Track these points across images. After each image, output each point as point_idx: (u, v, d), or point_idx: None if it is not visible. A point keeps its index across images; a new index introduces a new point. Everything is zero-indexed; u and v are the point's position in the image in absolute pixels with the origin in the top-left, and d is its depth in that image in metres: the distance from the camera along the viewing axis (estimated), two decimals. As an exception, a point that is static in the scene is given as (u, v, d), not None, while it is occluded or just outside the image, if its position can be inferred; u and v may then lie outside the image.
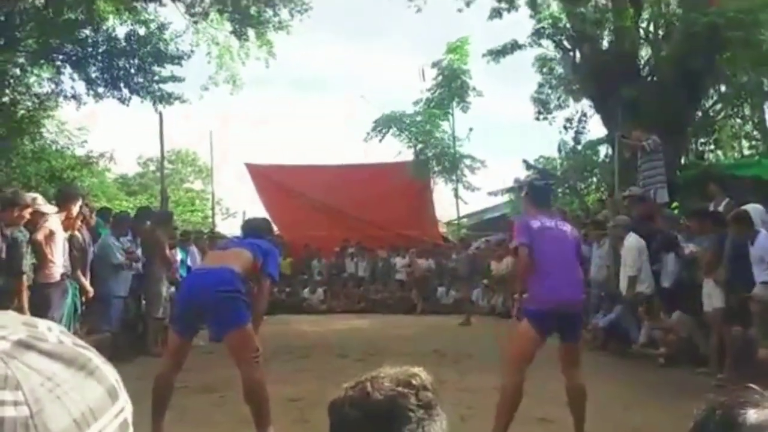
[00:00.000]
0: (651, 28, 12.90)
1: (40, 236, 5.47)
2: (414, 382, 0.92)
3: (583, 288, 4.24)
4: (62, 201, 5.98)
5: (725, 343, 6.07)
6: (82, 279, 6.32)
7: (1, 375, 0.40)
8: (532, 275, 3.93)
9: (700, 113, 12.58)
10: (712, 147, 14.15)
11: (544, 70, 14.80)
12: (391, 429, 0.88)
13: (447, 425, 0.94)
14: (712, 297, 6.24)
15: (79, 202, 6.13)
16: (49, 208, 5.66)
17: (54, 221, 5.67)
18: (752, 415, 0.81)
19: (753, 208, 6.06)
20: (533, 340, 3.88)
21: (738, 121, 14.30)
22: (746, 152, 14.27)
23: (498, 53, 13.89)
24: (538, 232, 3.94)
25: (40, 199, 5.72)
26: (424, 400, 0.91)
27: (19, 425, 0.39)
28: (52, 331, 0.46)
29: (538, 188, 4.30)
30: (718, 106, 13.40)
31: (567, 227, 4.17)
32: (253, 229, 4.65)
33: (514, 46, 13.65)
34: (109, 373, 0.46)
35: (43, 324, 0.46)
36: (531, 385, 5.64)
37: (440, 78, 17.27)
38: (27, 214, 5.38)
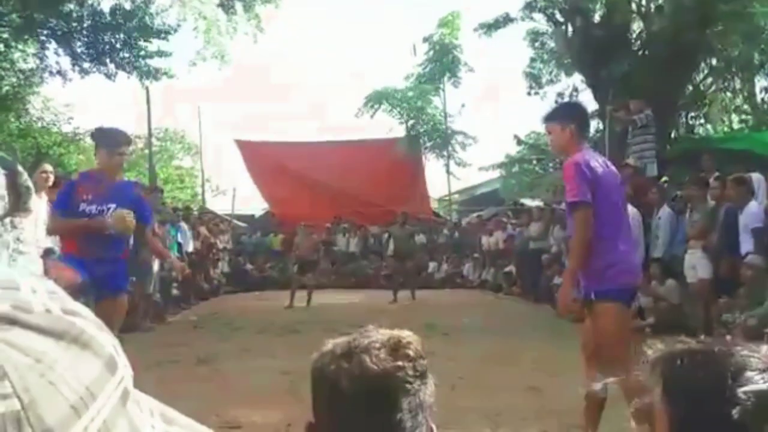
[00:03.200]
0: (643, 2, 12.79)
1: None
2: (410, 353, 0.90)
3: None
4: (30, 172, 5.87)
5: (712, 313, 6.15)
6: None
7: None
8: (598, 244, 3.02)
9: (690, 87, 12.56)
10: (702, 121, 14.16)
11: (536, 44, 14.69)
12: (389, 402, 0.87)
13: (434, 390, 0.93)
14: (697, 268, 6.30)
15: (44, 168, 5.93)
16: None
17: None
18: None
19: (756, 177, 6.14)
20: (626, 321, 3.20)
21: (728, 95, 14.28)
22: (736, 126, 14.30)
23: (490, 27, 13.76)
24: (603, 176, 3.06)
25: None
26: (421, 370, 0.90)
27: (8, 422, 0.33)
28: (37, 295, 0.39)
29: (585, 114, 3.47)
30: (709, 80, 13.38)
31: (613, 167, 3.29)
32: None
33: (506, 20, 13.52)
34: (105, 341, 0.41)
35: (26, 285, 0.39)
36: (516, 354, 5.71)
37: (432, 53, 17.15)
38: None
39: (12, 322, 0.37)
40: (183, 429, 0.46)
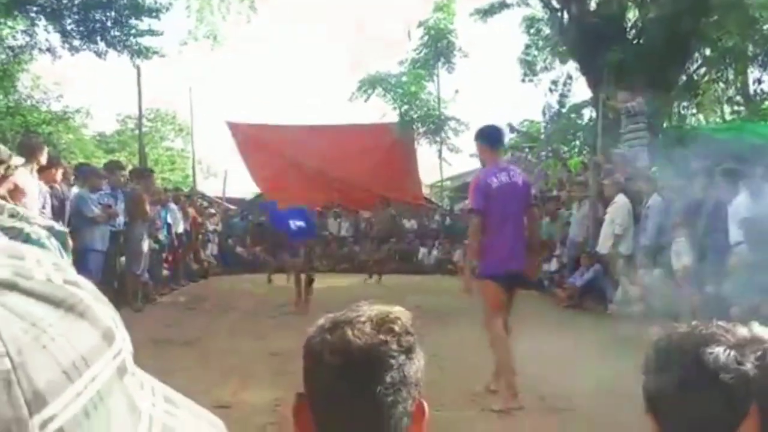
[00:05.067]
0: (639, -10, 12.76)
1: (1, 191, 5.33)
2: (396, 328, 0.90)
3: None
4: (28, 153, 5.82)
5: (693, 300, 6.21)
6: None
7: None
8: (485, 240, 4.08)
9: (684, 77, 12.59)
10: (695, 111, 14.21)
11: (532, 30, 14.65)
12: (372, 375, 0.87)
13: (424, 362, 0.93)
14: (681, 255, 6.36)
15: (45, 151, 5.94)
16: (17, 160, 5.50)
17: (21, 175, 5.53)
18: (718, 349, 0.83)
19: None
20: (499, 291, 4.17)
21: (721, 85, 14.33)
22: (728, 117, 14.35)
23: (485, 13, 13.69)
24: (497, 190, 4.06)
25: (14, 156, 5.57)
26: (406, 345, 0.90)
27: None
28: (42, 265, 0.40)
29: (486, 131, 4.31)
30: (702, 70, 13.41)
31: (519, 178, 4.22)
32: None
33: (501, 6, 13.46)
34: (104, 312, 0.41)
35: (31, 255, 0.41)
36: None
37: (426, 38, 17.03)
38: (2, 169, 5.21)
39: (11, 287, 0.37)
40: (184, 409, 0.45)
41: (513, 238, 4.13)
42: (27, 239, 1.73)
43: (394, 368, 0.88)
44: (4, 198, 5.28)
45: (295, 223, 7.89)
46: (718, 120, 14.33)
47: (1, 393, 0.34)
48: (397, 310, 0.94)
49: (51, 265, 0.41)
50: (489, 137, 4.25)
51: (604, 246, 7.69)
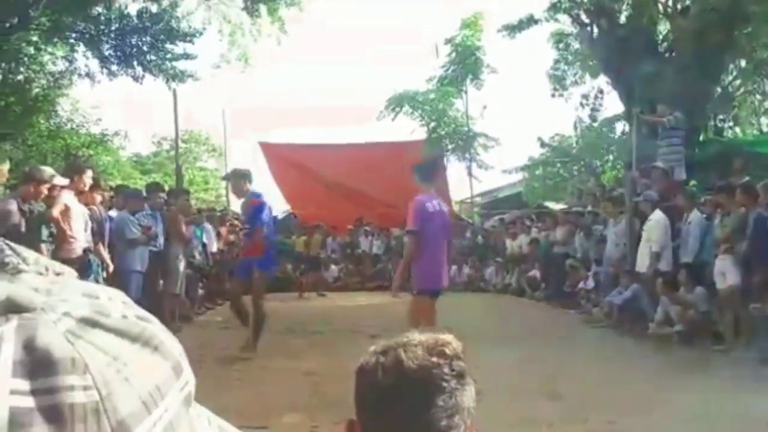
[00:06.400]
0: (670, 2, 12.61)
1: (55, 212, 5.50)
2: (447, 351, 0.91)
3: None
4: (70, 174, 6.01)
5: (741, 321, 6.02)
6: (103, 253, 6.39)
7: (69, 357, 0.38)
8: (419, 259, 4.69)
9: (719, 89, 12.34)
10: (731, 124, 13.90)
11: (561, 45, 14.58)
12: (425, 398, 0.88)
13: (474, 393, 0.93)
14: (726, 274, 6.18)
15: (88, 174, 6.13)
16: (61, 180, 5.69)
17: (68, 196, 5.70)
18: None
19: None
20: (433, 306, 4.75)
21: (758, 97, 14.02)
22: (765, 129, 14.02)
23: (513, 28, 13.68)
24: (432, 215, 4.70)
25: (57, 177, 5.76)
26: (458, 369, 0.91)
27: (89, 411, 0.37)
28: (114, 302, 0.43)
29: (420, 166, 5.15)
30: (737, 82, 13.14)
31: (444, 207, 4.97)
32: None
33: (530, 21, 13.43)
34: (173, 346, 0.44)
35: (104, 294, 0.44)
36: (540, 361, 5.67)
37: (454, 55, 17.07)
38: (45, 189, 5.42)
39: (93, 324, 0.40)
40: None
41: (442, 257, 4.84)
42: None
43: (446, 392, 0.89)
44: (57, 219, 5.49)
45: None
46: (755, 132, 13.99)
47: (91, 423, 0.37)
48: (448, 336, 0.95)
49: (121, 302, 0.44)
50: (422, 173, 5.07)
51: (642, 264, 7.52)
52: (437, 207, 4.81)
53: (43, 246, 5.29)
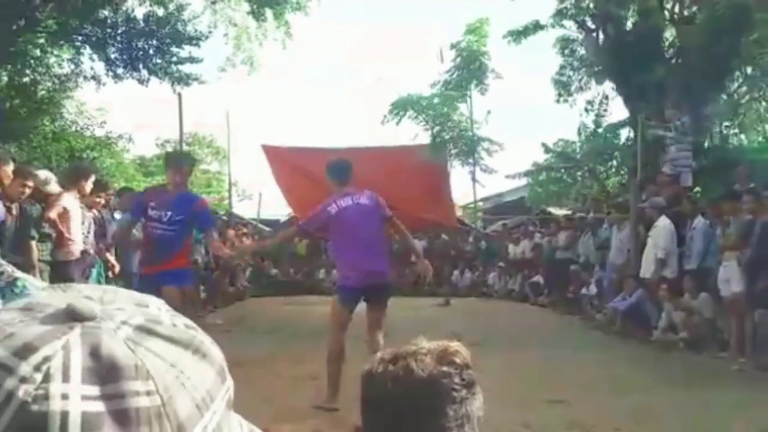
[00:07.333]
0: (676, 9, 12.60)
1: (53, 214, 5.45)
2: (458, 360, 0.91)
3: (388, 259, 4.84)
4: (73, 178, 6.00)
5: (746, 327, 5.99)
6: (108, 254, 6.39)
7: (131, 364, 0.40)
8: (337, 259, 4.60)
9: (724, 96, 12.31)
10: (737, 131, 13.86)
11: (566, 51, 14.56)
12: (435, 407, 0.87)
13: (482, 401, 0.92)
14: (731, 281, 6.14)
15: (91, 179, 6.12)
16: (54, 188, 5.63)
17: (67, 199, 5.68)
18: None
19: None
20: (342, 312, 4.50)
21: (763, 104, 13.98)
22: (771, 136, 13.97)
23: (519, 34, 13.68)
24: (337, 215, 4.49)
25: (53, 182, 5.71)
26: (468, 379, 0.90)
27: (153, 415, 0.39)
28: (162, 311, 0.46)
29: (332, 167, 4.98)
30: (743, 89, 13.11)
31: (369, 201, 4.67)
32: None
33: (535, 27, 13.43)
34: (217, 353, 0.47)
35: (153, 303, 0.46)
36: (544, 366, 5.64)
37: (458, 60, 17.06)
38: (28, 188, 5.25)
39: (150, 332, 0.43)
40: None
41: (368, 252, 4.44)
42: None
43: (456, 401, 0.88)
44: (54, 222, 5.47)
45: None
46: (761, 139, 13.94)
47: (154, 425, 0.40)
48: (456, 344, 0.95)
49: (167, 311, 0.47)
50: (332, 172, 4.94)
51: (647, 270, 7.49)
52: (351, 201, 4.59)
53: (33, 243, 5.24)
